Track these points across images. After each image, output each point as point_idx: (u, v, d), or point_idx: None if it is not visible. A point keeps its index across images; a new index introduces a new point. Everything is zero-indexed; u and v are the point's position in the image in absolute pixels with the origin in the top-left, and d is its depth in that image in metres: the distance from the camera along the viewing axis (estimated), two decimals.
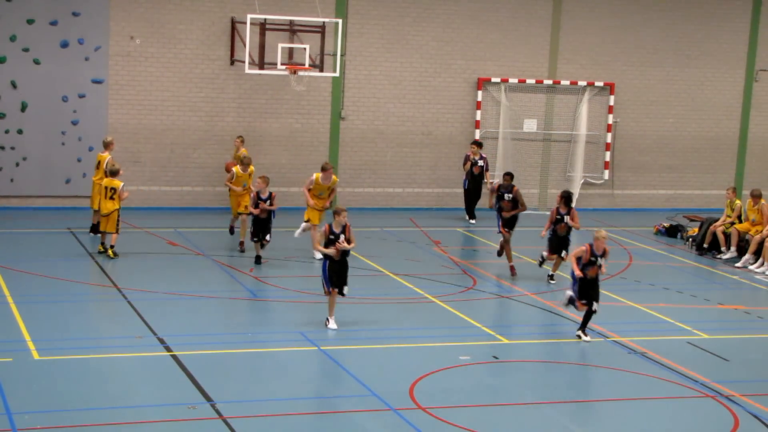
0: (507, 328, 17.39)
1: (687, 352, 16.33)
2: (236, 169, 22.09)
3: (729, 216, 23.88)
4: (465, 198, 26.75)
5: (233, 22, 25.69)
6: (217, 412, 12.83)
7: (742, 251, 23.15)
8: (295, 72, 24.18)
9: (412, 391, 13.93)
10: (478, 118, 28.19)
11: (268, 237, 20.39)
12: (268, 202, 20.43)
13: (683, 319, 18.25)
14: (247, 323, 17.20)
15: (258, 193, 20.39)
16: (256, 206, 20.28)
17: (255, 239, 20.38)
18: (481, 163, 26.26)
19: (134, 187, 25.08)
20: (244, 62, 24.23)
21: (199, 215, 25.85)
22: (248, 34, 23.64)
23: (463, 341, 16.41)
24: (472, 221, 26.45)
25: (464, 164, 26.51)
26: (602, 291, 17.46)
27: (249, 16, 23.60)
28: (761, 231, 22.59)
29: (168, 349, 14.93)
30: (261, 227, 20.32)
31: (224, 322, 17.04)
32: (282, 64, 23.89)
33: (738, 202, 24.06)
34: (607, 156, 29.44)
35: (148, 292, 18.24)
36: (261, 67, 24.12)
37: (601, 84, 28.97)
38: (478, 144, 26.60)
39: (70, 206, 25.46)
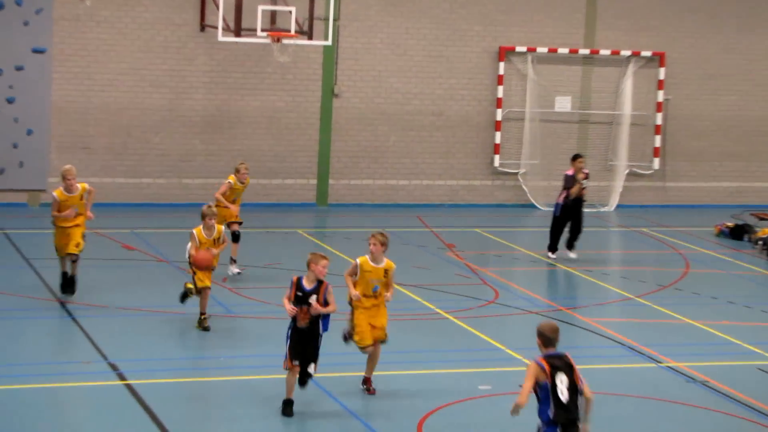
0: (536, 351, 17.16)
1: (758, 381, 16.32)
2: (232, 177, 20.72)
3: None
4: (554, 227, 23.50)
5: None
6: None
7: None
8: (278, 40, 24.27)
9: (421, 429, 13.95)
10: (500, 95, 28.44)
11: (312, 368, 14.47)
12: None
13: (753, 340, 18.24)
14: (220, 345, 17.04)
15: (299, 281, 14.32)
16: (302, 304, 14.32)
17: (295, 361, 14.40)
18: (585, 183, 23.38)
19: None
20: (216, 28, 24.27)
21: (161, 213, 25.84)
22: None
23: (482, 367, 16.50)
24: (554, 256, 23.32)
25: (569, 188, 22.96)
26: (654, 305, 17.42)
27: None
28: None
29: (121, 377, 14.81)
30: (306, 341, 14.45)
31: (191, 344, 16.98)
32: (263, 30, 24.02)
33: None
34: (658, 141, 29.72)
35: (98, 307, 18.14)
36: (237, 34, 24.20)
37: (648, 54, 29.26)
38: (582, 157, 23.64)
39: (2, 202, 25.41)
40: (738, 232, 26.18)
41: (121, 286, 19.63)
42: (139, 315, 18.00)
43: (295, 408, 14.58)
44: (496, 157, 28.61)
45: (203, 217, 16.90)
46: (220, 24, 23.99)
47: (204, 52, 26.26)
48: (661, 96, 29.49)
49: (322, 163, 27.57)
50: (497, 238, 25.51)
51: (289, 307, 14.12)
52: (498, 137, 28.54)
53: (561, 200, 22.92)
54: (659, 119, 29.60)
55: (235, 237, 20.10)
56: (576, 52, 28.88)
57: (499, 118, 28.36)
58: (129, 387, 14.48)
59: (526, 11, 28.42)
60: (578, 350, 17.40)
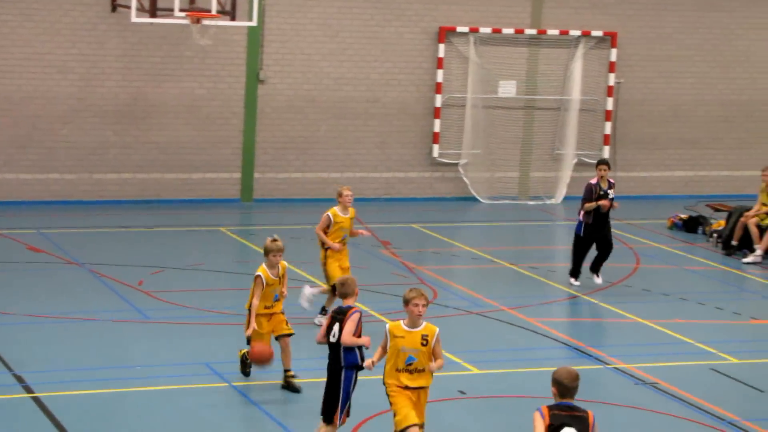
0: (478, 354, 17.43)
1: (711, 382, 16.54)
2: (332, 211, 18.29)
3: (765, 204, 24.25)
4: (577, 249, 21.68)
5: None
6: None
7: None
8: (198, 21, 24.18)
9: None
10: (440, 79, 28.47)
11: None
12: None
13: (706, 339, 18.45)
14: (137, 354, 17.01)
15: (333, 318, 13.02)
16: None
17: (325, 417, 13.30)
18: (611, 193, 21.40)
19: None
20: (129, 8, 24.10)
21: (70, 211, 25.66)
22: None
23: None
24: (577, 282, 21.62)
25: (588, 200, 21.19)
26: (602, 304, 17.69)
27: None
28: None
29: (28, 390, 14.76)
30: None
31: (105, 353, 16.85)
32: (181, 10, 23.90)
33: None
34: (608, 128, 29.91)
35: (2, 314, 18.03)
36: (153, 15, 24.11)
37: (599, 34, 29.42)
38: (607, 164, 22.22)
39: None
40: (692, 225, 26.35)
41: (27, 291, 19.48)
42: (47, 322, 17.86)
43: (218, 420, 14.59)
44: (435, 147, 28.61)
45: (266, 252, 15.21)
46: (134, 4, 23.84)
47: (116, 35, 26.06)
48: (612, 79, 29.60)
49: (246, 155, 27.47)
50: (436, 234, 25.55)
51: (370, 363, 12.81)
52: (437, 125, 28.56)
53: (582, 217, 21.09)
54: (610, 104, 29.74)
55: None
56: (522, 32, 28.91)
57: (438, 104, 28.40)
58: (37, 400, 14.42)
59: None
60: (522, 352, 17.79)
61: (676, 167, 30.58)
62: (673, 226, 26.67)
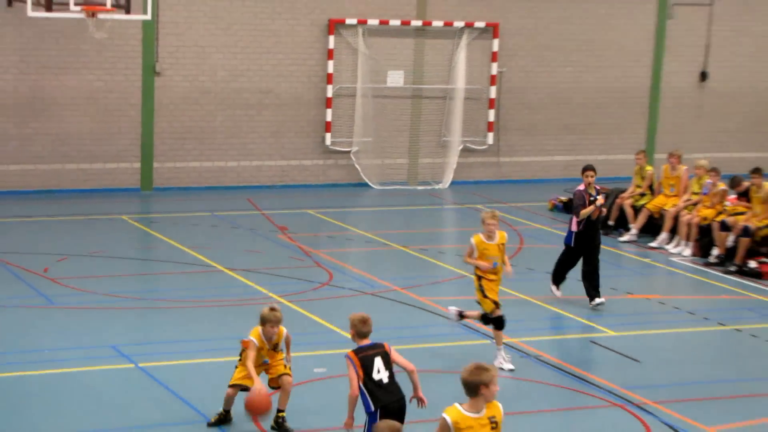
0: (373, 333, 17.41)
1: (590, 353, 16.91)
2: (476, 238, 16.12)
3: (639, 186, 24.70)
4: (565, 259, 19.89)
5: None
6: None
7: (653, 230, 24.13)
8: (93, 15, 23.93)
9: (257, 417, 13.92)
10: (331, 70, 28.42)
11: None
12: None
13: (585, 314, 18.82)
14: (44, 338, 16.86)
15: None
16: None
17: None
18: (600, 199, 19.45)
19: None
20: (25, 2, 23.73)
21: None
22: None
23: (317, 350, 16.54)
24: (559, 293, 19.93)
25: (580, 208, 19.36)
26: (512, 292, 17.75)
27: None
28: (677, 204, 23.55)
29: None
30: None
31: (12, 339, 16.69)
32: (76, 4, 23.61)
33: (649, 168, 24.92)
34: (491, 115, 30.00)
35: None
36: (49, 9, 23.87)
37: (482, 25, 29.44)
38: (594, 169, 20.60)
39: None
40: (571, 207, 26.17)
41: None
42: None
43: (123, 399, 14.57)
44: (328, 136, 28.60)
45: (263, 322, 13.44)
46: None
47: (13, 29, 25.72)
48: (494, 69, 29.65)
49: (145, 145, 27.25)
50: (330, 218, 25.56)
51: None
52: (329, 115, 28.50)
53: (574, 227, 19.28)
54: (493, 93, 29.79)
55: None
56: (408, 23, 28.80)
57: (329, 94, 28.34)
58: None
59: None
60: (414, 329, 17.89)
61: (555, 152, 30.82)
62: (554, 208, 26.94)
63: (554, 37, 30.32)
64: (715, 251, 22.38)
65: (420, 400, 11.75)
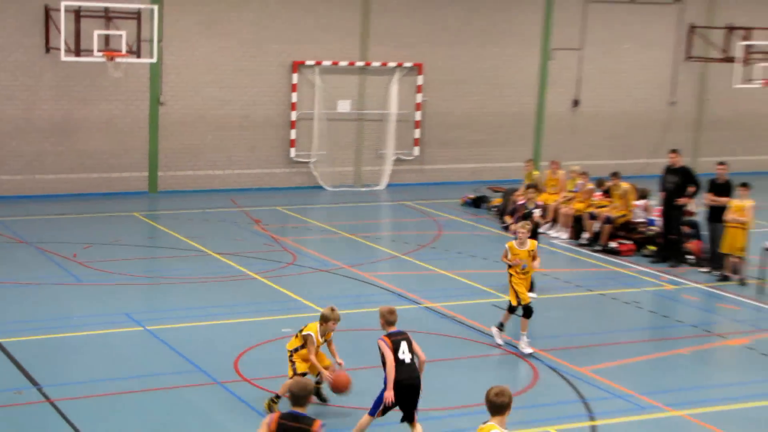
0: (326, 300, 17.25)
1: (492, 313, 16.87)
2: (510, 244, 15.31)
3: (530, 179, 24.43)
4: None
5: (47, 10, 24.98)
6: (44, 395, 12.73)
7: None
8: (112, 58, 23.80)
9: (237, 365, 14.09)
10: (294, 100, 28.20)
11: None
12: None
13: (488, 284, 18.85)
14: (74, 308, 16.88)
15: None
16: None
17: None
18: (537, 212, 18.83)
19: None
20: (60, 50, 23.63)
21: (17, 203, 25.09)
22: (63, 21, 23.19)
23: (285, 314, 16.57)
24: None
25: (510, 215, 18.89)
26: (415, 261, 17.83)
27: (63, 4, 23.13)
28: (557, 199, 23.66)
29: None
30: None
31: (48, 309, 16.69)
32: (99, 50, 23.54)
33: (536, 173, 24.97)
34: (417, 133, 29.85)
35: None
36: (77, 54, 23.67)
37: (410, 65, 29.29)
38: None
39: None
40: (478, 202, 26.57)
41: None
42: (5, 287, 17.64)
43: (135, 355, 14.57)
44: (292, 150, 28.37)
45: (324, 320, 12.52)
46: (62, 46, 23.37)
47: (50, 70, 25.42)
48: (419, 98, 29.52)
49: (152, 158, 26.97)
50: (294, 213, 25.44)
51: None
52: (293, 134, 28.30)
53: (512, 233, 17.64)
54: (418, 116, 29.64)
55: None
56: (353, 64, 28.70)
57: (293, 118, 28.14)
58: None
59: (313, 32, 28.11)
60: (357, 298, 17.92)
61: (466, 161, 30.63)
62: (465, 204, 26.83)
63: (465, 74, 30.18)
64: (585, 235, 22.51)
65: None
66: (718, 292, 19.23)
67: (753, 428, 12.66)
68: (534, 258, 15.15)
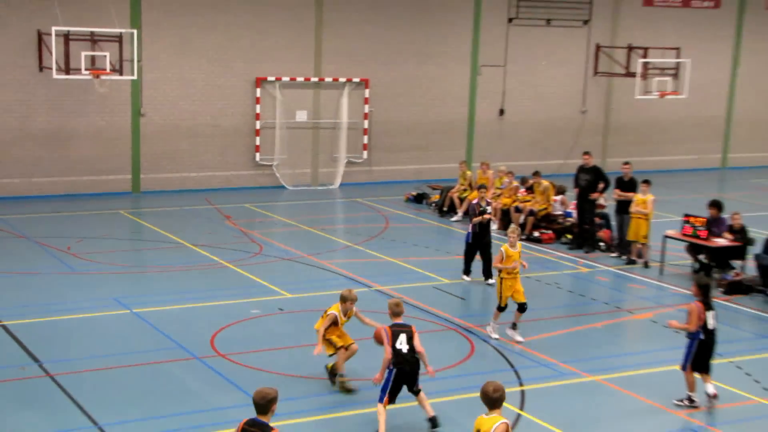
0: (289, 285, 17.54)
1: (435, 295, 17.03)
2: (504, 246, 14.76)
3: (462, 184, 24.81)
4: (466, 253, 18.30)
5: (39, 34, 24.64)
6: (45, 370, 12.70)
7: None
8: (97, 76, 23.67)
9: (213, 342, 14.11)
10: (258, 111, 28.04)
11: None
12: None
13: (430, 269, 18.91)
14: (68, 293, 16.72)
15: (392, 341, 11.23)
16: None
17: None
18: (489, 209, 18.46)
19: None
20: (51, 69, 23.36)
21: (16, 203, 24.69)
22: (54, 44, 22.96)
23: (253, 298, 16.56)
24: (468, 278, 18.32)
25: (474, 215, 18.04)
26: (366, 249, 17.76)
27: (54, 29, 22.91)
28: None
29: None
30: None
31: (46, 295, 16.53)
32: (86, 69, 23.36)
33: (469, 172, 25.01)
34: (365, 139, 29.77)
35: None
36: (67, 73, 23.39)
37: (358, 80, 29.25)
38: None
39: None
40: (419, 198, 26.54)
41: None
42: (7, 276, 17.40)
43: (123, 334, 14.45)
44: (257, 154, 28.19)
45: (343, 300, 12.42)
46: (54, 66, 23.07)
47: (43, 87, 25.03)
48: (367, 108, 29.46)
49: (135, 162, 26.71)
50: (260, 210, 25.29)
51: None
52: (258, 140, 28.13)
53: (471, 228, 18.03)
54: (366, 124, 29.59)
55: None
56: (309, 79, 28.56)
57: (258, 127, 27.98)
58: (3, 327, 14.09)
59: (274, 52, 27.95)
60: (314, 282, 17.79)
61: (408, 163, 30.59)
62: (408, 200, 26.80)
63: (406, 87, 30.17)
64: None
65: (429, 373, 11.16)
66: (625, 273, 19.44)
67: (657, 390, 12.85)
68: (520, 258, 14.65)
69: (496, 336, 14.62)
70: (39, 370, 12.73)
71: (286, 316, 15.71)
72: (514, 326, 14.65)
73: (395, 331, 11.24)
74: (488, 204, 18.44)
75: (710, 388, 12.24)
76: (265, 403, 7.94)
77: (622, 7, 32.62)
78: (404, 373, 11.12)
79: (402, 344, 11.15)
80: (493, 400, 8.02)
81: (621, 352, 14.79)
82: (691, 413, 12.23)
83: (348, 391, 12.34)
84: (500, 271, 14.59)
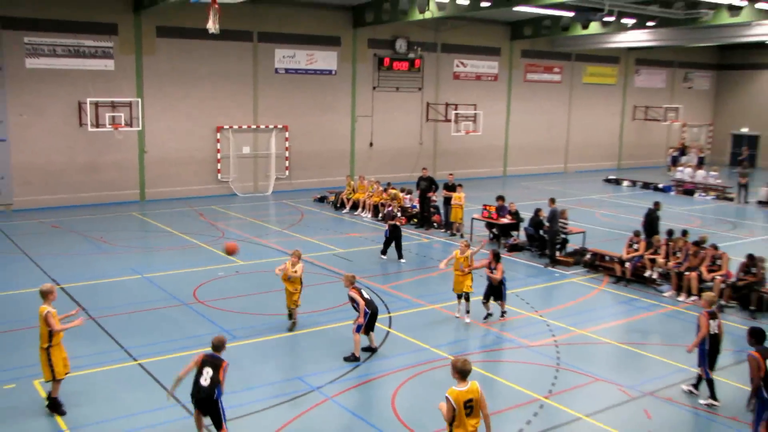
0: (242, 255, 16.92)
1: (335, 261, 16.42)
2: (456, 252, 12.55)
3: (348, 189, 24.69)
4: (385, 242, 17.01)
5: (79, 103, 24.07)
6: (89, 315, 12.48)
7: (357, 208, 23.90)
8: (116, 128, 23.51)
9: (195, 293, 13.96)
10: (219, 147, 27.22)
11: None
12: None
13: (331, 244, 18.46)
14: (99, 267, 15.71)
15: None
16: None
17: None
18: (398, 213, 17.43)
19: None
20: (87, 124, 23.22)
21: (67, 211, 23.61)
22: (88, 108, 22.96)
23: (219, 264, 16.22)
24: (384, 257, 17.13)
25: (388, 218, 16.98)
26: (291, 233, 18.00)
27: (88, 100, 22.96)
28: (362, 196, 23.68)
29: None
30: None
31: (83, 269, 15.49)
32: (109, 124, 23.29)
33: (352, 182, 24.51)
34: (287, 163, 29.09)
35: None
36: (97, 126, 23.33)
37: (281, 126, 28.35)
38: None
39: None
40: (322, 199, 25.87)
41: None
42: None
43: (127, 292, 14.09)
44: (219, 175, 27.74)
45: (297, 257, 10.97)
46: (89, 122, 22.90)
47: (82, 135, 24.43)
48: (287, 144, 28.67)
49: (141, 182, 26.23)
50: (221, 210, 24.51)
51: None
52: (219, 166, 27.66)
53: (387, 227, 16.84)
54: (287, 154, 28.93)
55: None
56: (250, 126, 27.96)
57: (219, 157, 27.52)
58: None
59: (228, 109, 27.24)
60: (259, 253, 17.06)
61: (315, 177, 29.84)
62: (315, 200, 26.36)
63: (311, 130, 29.41)
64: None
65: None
66: (449, 241, 19.33)
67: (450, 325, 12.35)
68: (471, 263, 12.32)
69: (458, 315, 12.54)
70: (85, 315, 12.53)
71: (241, 276, 15.34)
72: (464, 302, 12.40)
73: (358, 289, 10.64)
74: (399, 209, 17.57)
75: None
76: (219, 345, 7.74)
77: (441, 80, 33.28)
78: (375, 313, 10.66)
79: (368, 294, 10.60)
80: (463, 371, 6.62)
81: (448, 289, 13.81)
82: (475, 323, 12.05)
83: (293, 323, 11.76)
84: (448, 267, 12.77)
